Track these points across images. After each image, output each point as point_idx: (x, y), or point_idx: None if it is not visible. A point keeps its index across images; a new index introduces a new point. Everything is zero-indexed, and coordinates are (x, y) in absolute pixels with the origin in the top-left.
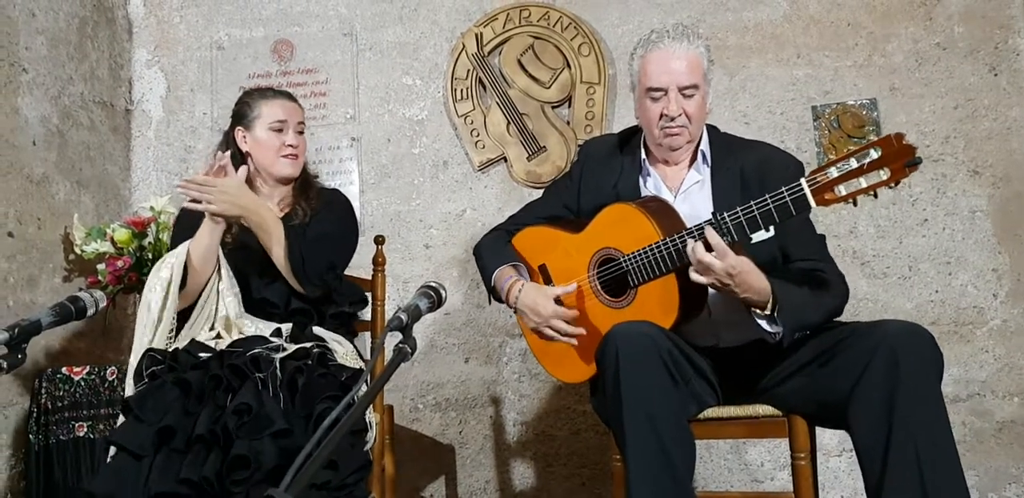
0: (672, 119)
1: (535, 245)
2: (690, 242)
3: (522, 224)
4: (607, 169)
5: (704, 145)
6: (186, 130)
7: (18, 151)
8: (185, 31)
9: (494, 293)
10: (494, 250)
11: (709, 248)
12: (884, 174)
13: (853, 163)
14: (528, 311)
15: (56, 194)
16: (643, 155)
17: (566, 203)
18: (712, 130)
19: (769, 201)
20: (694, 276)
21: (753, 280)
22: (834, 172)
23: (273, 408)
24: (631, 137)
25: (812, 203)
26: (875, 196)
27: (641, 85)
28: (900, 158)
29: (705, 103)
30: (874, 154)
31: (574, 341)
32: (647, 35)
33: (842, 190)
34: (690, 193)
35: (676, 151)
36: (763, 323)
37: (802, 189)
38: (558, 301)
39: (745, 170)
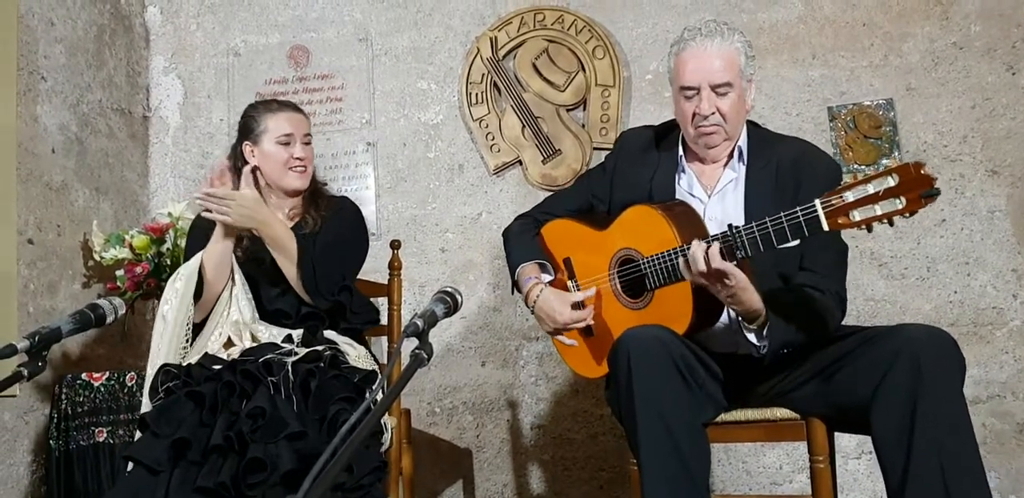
0: (705, 118)
1: (562, 238)
2: (696, 245)
3: (552, 214)
4: (642, 163)
5: (742, 141)
6: (203, 136)
7: (37, 159)
8: (202, 38)
9: (517, 286)
10: (522, 241)
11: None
12: (899, 203)
13: (870, 189)
14: (545, 317)
15: (75, 201)
16: (680, 152)
17: (597, 194)
18: (752, 127)
19: (783, 219)
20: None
21: (746, 298)
22: (850, 196)
23: (287, 411)
24: (669, 131)
25: (825, 226)
26: (890, 224)
27: (675, 83)
28: (917, 188)
29: (743, 100)
30: (891, 181)
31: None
32: (681, 32)
33: (856, 215)
34: (725, 192)
35: (713, 149)
36: (751, 336)
37: (815, 211)
38: (577, 306)
39: (781, 167)
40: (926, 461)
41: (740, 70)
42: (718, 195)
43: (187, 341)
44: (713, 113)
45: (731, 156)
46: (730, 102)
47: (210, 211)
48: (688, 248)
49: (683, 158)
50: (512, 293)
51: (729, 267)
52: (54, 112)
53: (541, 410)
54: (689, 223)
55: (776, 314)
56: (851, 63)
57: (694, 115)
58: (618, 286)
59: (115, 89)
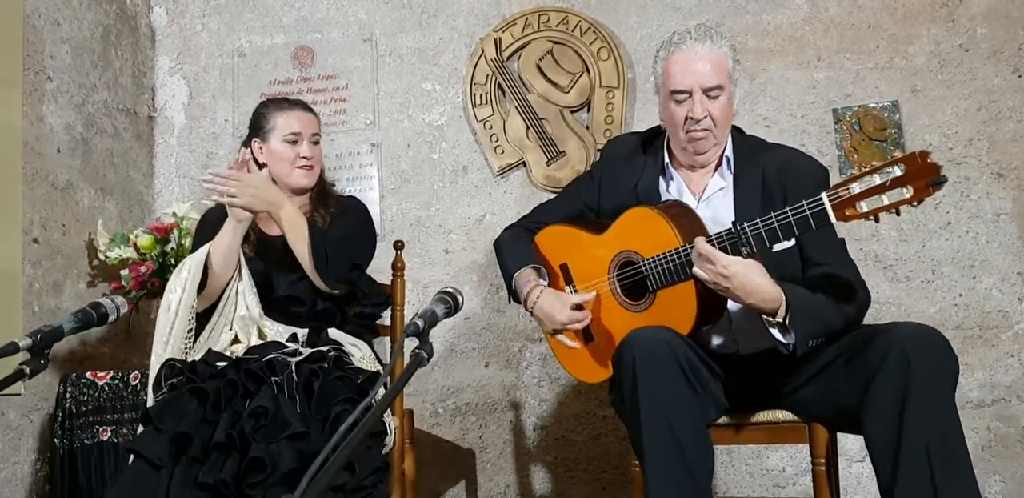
0: (697, 121)
1: (557, 244)
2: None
3: (543, 222)
4: (628, 169)
5: (729, 150)
6: (208, 137)
7: (43, 158)
8: (207, 39)
9: (514, 294)
10: (515, 249)
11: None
12: (907, 192)
13: (876, 179)
14: (544, 318)
15: (80, 201)
16: (666, 158)
17: (586, 202)
18: (736, 133)
19: (789, 214)
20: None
21: (755, 284)
22: (856, 187)
23: (289, 411)
24: (655, 137)
25: (832, 218)
26: (897, 213)
27: (665, 88)
28: (924, 176)
29: (731, 104)
30: (897, 171)
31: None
32: (669, 37)
33: (863, 206)
34: (713, 199)
35: (702, 155)
36: (776, 332)
37: (823, 203)
38: (577, 307)
39: (767, 175)
40: (915, 460)
41: (728, 74)
42: (705, 201)
43: (191, 332)
44: (705, 116)
45: (719, 163)
46: (721, 106)
47: (220, 196)
48: (690, 247)
49: (668, 164)
50: (509, 302)
51: (722, 260)
52: (60, 112)
53: (544, 411)
54: (689, 223)
55: (797, 303)
56: (856, 65)
57: (686, 119)
58: (618, 289)
59: (120, 89)
